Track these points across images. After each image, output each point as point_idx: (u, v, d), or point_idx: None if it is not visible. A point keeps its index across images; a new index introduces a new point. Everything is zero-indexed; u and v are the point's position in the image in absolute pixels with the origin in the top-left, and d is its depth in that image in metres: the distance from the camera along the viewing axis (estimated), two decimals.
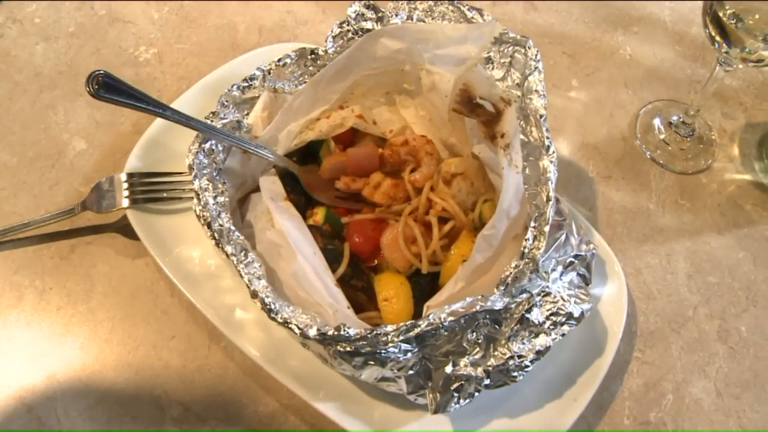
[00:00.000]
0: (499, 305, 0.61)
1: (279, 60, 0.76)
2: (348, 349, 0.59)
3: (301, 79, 0.77)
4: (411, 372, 0.63)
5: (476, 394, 0.63)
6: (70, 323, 0.75)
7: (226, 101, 0.74)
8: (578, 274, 0.69)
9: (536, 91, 0.68)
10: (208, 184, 0.67)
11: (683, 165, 0.88)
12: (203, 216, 0.66)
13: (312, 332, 0.59)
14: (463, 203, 0.73)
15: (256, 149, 0.72)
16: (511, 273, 0.61)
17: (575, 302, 0.67)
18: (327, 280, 0.66)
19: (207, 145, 0.70)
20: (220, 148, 0.71)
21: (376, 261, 0.73)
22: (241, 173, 0.73)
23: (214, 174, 0.70)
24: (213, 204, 0.66)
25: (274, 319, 0.61)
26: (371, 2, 0.76)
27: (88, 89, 0.63)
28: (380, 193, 0.74)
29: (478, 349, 0.63)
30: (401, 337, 0.59)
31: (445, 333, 0.61)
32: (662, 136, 0.90)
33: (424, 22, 0.74)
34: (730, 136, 0.92)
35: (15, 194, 0.83)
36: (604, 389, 0.73)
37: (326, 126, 0.76)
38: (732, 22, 0.73)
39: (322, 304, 0.63)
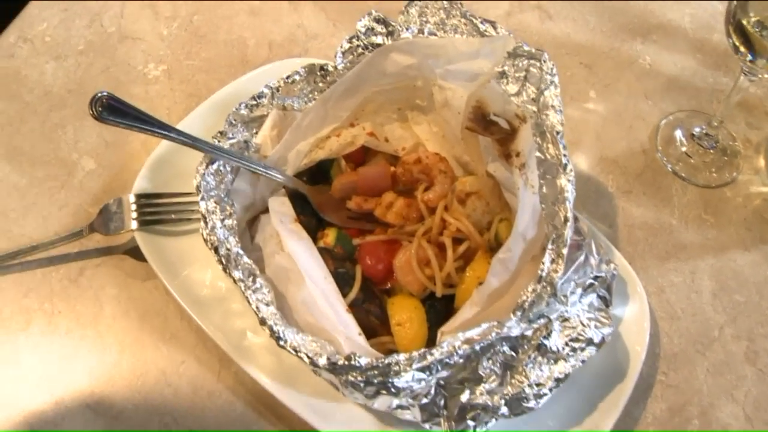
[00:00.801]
0: (515, 332, 0.59)
1: (287, 77, 0.74)
2: (359, 378, 0.58)
3: (310, 96, 0.76)
4: (425, 400, 0.61)
5: (493, 422, 0.61)
6: (78, 347, 0.74)
7: (234, 120, 0.72)
8: (598, 296, 0.67)
9: (552, 106, 0.66)
10: (215, 207, 0.66)
11: (707, 178, 0.85)
12: (210, 240, 0.64)
13: (322, 361, 0.57)
14: (478, 223, 0.70)
15: (265, 170, 0.70)
16: (528, 298, 0.59)
17: (595, 326, 0.64)
18: (338, 306, 0.64)
19: (214, 166, 0.69)
20: (228, 168, 0.70)
21: (389, 284, 0.71)
22: (250, 194, 0.72)
23: (222, 195, 0.68)
24: (220, 227, 0.65)
25: (282, 347, 0.59)
26: (381, 16, 0.74)
27: (91, 112, 0.61)
28: (393, 213, 0.72)
29: (494, 377, 0.60)
30: (414, 366, 0.57)
31: (461, 361, 0.59)
32: (684, 149, 0.87)
33: (435, 35, 0.72)
34: (755, 147, 0.89)
35: (24, 216, 0.82)
36: (626, 414, 0.70)
37: (336, 144, 0.74)
38: (756, 30, 0.70)
39: (333, 331, 0.61)
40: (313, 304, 0.63)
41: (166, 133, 0.65)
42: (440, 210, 0.70)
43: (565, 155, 0.63)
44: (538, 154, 0.65)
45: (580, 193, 0.84)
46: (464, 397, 0.60)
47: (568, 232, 0.61)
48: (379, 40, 0.74)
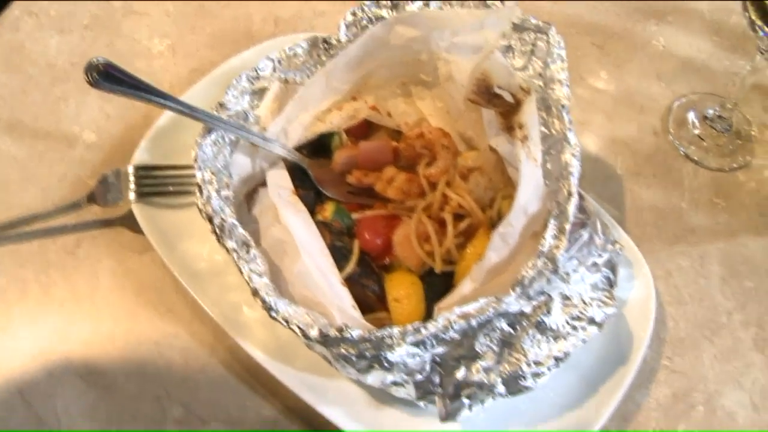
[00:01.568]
0: (514, 308, 0.57)
1: (290, 49, 0.73)
2: (351, 351, 0.56)
3: (313, 69, 0.74)
4: (420, 377, 0.59)
5: (490, 401, 0.59)
6: (73, 319, 0.73)
7: (235, 92, 0.71)
8: (603, 277, 0.65)
9: (559, 80, 0.64)
10: (211, 177, 0.65)
11: (719, 162, 0.83)
12: (205, 210, 0.63)
13: (313, 333, 0.56)
14: (480, 199, 0.69)
15: (264, 142, 0.69)
16: (528, 273, 0.57)
17: (598, 306, 0.62)
18: (332, 279, 0.62)
19: (212, 137, 0.67)
20: (227, 140, 0.69)
21: (387, 259, 0.69)
22: (249, 167, 0.71)
23: (220, 167, 0.67)
24: (216, 198, 0.63)
25: (274, 318, 0.57)
26: None
27: (87, 78, 0.60)
28: (393, 188, 0.70)
29: (491, 354, 0.59)
30: (407, 340, 0.55)
31: (457, 336, 0.57)
32: (697, 131, 0.85)
33: (441, 9, 0.70)
34: None
35: (24, 187, 0.81)
36: (629, 399, 0.68)
37: (338, 118, 0.73)
38: None
39: (326, 303, 0.60)
40: (307, 276, 0.61)
41: (162, 101, 0.64)
42: (442, 185, 0.69)
43: (570, 129, 0.61)
44: (543, 129, 0.63)
45: (588, 174, 0.82)
46: (460, 374, 0.59)
47: (572, 208, 0.59)
48: (383, 13, 0.72)
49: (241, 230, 0.62)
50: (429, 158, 0.72)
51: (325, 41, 0.74)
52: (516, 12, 0.65)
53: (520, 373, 0.58)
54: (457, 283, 0.66)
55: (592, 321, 0.61)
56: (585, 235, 0.64)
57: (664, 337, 0.73)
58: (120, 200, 0.75)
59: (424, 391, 0.60)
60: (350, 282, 0.65)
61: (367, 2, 0.72)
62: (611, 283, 0.65)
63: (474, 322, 0.56)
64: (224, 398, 0.69)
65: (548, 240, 0.58)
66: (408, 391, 0.60)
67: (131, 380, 0.70)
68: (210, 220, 0.62)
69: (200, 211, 0.63)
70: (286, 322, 0.57)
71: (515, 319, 0.58)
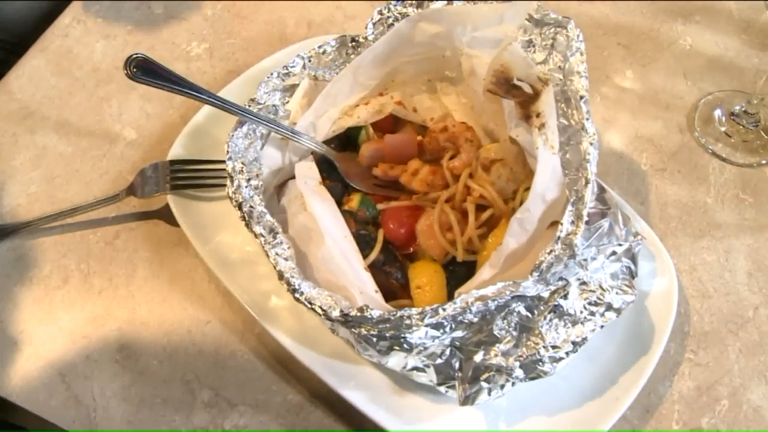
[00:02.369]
0: (531, 291, 0.58)
1: (319, 47, 0.76)
2: (372, 332, 0.58)
3: (341, 67, 0.77)
4: (440, 361, 0.61)
5: (509, 386, 0.60)
6: (110, 306, 0.77)
7: (267, 88, 0.74)
8: (623, 266, 0.65)
9: (577, 72, 0.65)
10: (242, 167, 0.67)
11: (747, 157, 0.83)
12: (235, 197, 0.66)
13: (335, 313, 0.58)
14: (503, 191, 0.70)
15: (292, 135, 0.71)
16: (546, 258, 0.58)
17: (617, 293, 0.63)
18: (356, 264, 0.64)
19: (244, 129, 0.70)
20: (258, 134, 0.72)
21: (411, 248, 0.71)
22: (279, 159, 0.73)
23: (251, 158, 0.70)
24: (246, 186, 0.66)
25: (298, 299, 0.60)
26: None
27: (125, 71, 0.64)
28: (418, 181, 0.72)
29: (509, 338, 0.60)
30: (426, 321, 0.57)
31: (474, 319, 0.59)
32: (723, 128, 0.85)
33: (464, 5, 0.72)
34: None
35: (68, 182, 0.86)
36: (651, 391, 0.69)
37: (365, 112, 0.75)
38: None
39: (349, 286, 0.62)
40: (331, 261, 0.63)
41: (196, 94, 0.67)
42: (464, 176, 0.70)
43: (587, 119, 0.62)
44: (562, 120, 0.65)
45: (613, 170, 0.83)
46: (478, 357, 0.60)
47: (589, 195, 0.60)
48: (409, 11, 0.75)
49: (269, 217, 0.65)
50: (453, 151, 0.73)
51: (353, 40, 0.76)
52: (533, 4, 0.66)
53: (538, 357, 0.59)
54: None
55: (610, 307, 0.61)
56: (605, 224, 0.65)
57: (688, 330, 0.72)
58: (156, 192, 0.78)
59: (445, 376, 0.61)
60: (374, 269, 0.67)
61: (394, 1, 0.75)
62: (632, 273, 0.65)
63: (492, 305, 0.58)
64: (252, 383, 0.71)
65: (566, 226, 0.58)
66: (429, 377, 0.62)
67: (163, 364, 0.73)
68: (239, 207, 0.65)
69: (230, 198, 0.66)
70: (310, 303, 0.59)
71: (532, 303, 0.59)
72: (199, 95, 0.67)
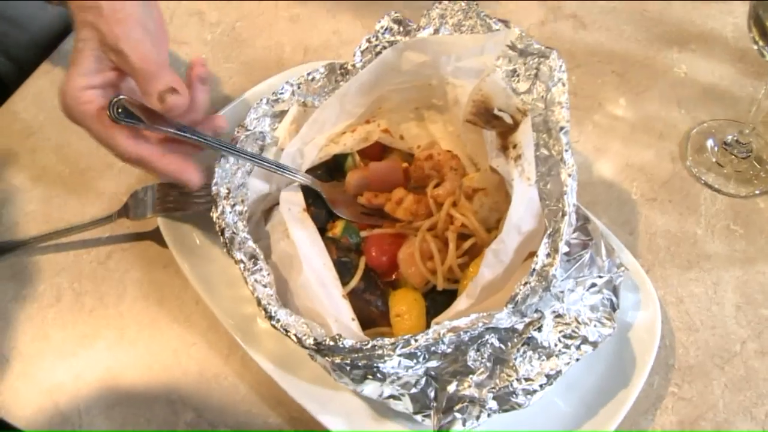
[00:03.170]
0: (505, 323, 0.58)
1: (308, 74, 0.77)
2: (345, 361, 0.58)
3: (330, 93, 0.78)
4: (415, 390, 0.61)
5: (485, 416, 0.60)
6: (100, 326, 0.78)
7: (256, 114, 0.75)
8: (604, 299, 0.65)
9: (559, 102, 0.66)
10: (227, 192, 0.69)
11: (738, 188, 0.82)
12: (218, 223, 0.67)
13: (309, 341, 0.58)
14: (485, 220, 0.70)
15: (278, 169, 0.72)
16: (521, 290, 0.58)
17: (595, 326, 0.63)
18: (333, 292, 0.65)
19: (232, 158, 0.72)
20: (248, 160, 0.73)
21: (393, 276, 0.72)
22: (266, 186, 0.74)
23: (238, 184, 0.71)
24: (230, 212, 0.67)
25: (274, 326, 0.60)
26: (399, 17, 0.76)
27: (109, 114, 0.65)
28: (402, 209, 0.73)
29: (483, 369, 0.60)
30: (399, 351, 0.57)
31: (448, 350, 0.59)
32: (715, 158, 0.84)
33: (451, 35, 0.73)
34: None
35: (65, 202, 0.87)
36: (633, 424, 0.68)
37: (351, 140, 0.76)
38: None
39: (325, 315, 0.62)
40: (309, 288, 0.64)
41: (180, 133, 0.67)
42: (447, 205, 0.70)
43: (566, 150, 0.63)
44: (544, 150, 0.65)
45: (602, 199, 0.83)
46: (451, 388, 0.60)
47: (565, 227, 0.60)
48: (398, 39, 0.76)
49: (251, 243, 0.65)
50: (437, 179, 0.74)
51: (341, 67, 0.77)
52: (512, 33, 0.67)
53: (512, 389, 0.59)
54: None
55: (585, 340, 0.61)
56: (586, 256, 0.65)
57: (673, 363, 0.72)
58: (147, 215, 0.79)
59: (421, 405, 0.61)
60: (354, 296, 0.68)
61: (382, 30, 0.76)
62: (613, 306, 0.65)
63: (465, 336, 0.58)
64: (233, 405, 0.72)
65: (540, 258, 0.59)
66: (405, 405, 0.62)
67: (149, 385, 0.74)
68: (222, 232, 0.66)
69: (214, 223, 0.67)
70: (285, 330, 0.60)
71: (506, 335, 0.59)
72: (184, 134, 0.67)
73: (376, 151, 0.79)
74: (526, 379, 0.59)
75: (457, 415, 0.59)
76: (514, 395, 0.59)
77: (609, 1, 1.00)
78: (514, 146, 0.64)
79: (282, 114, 0.77)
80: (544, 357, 0.60)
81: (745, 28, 0.92)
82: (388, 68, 0.73)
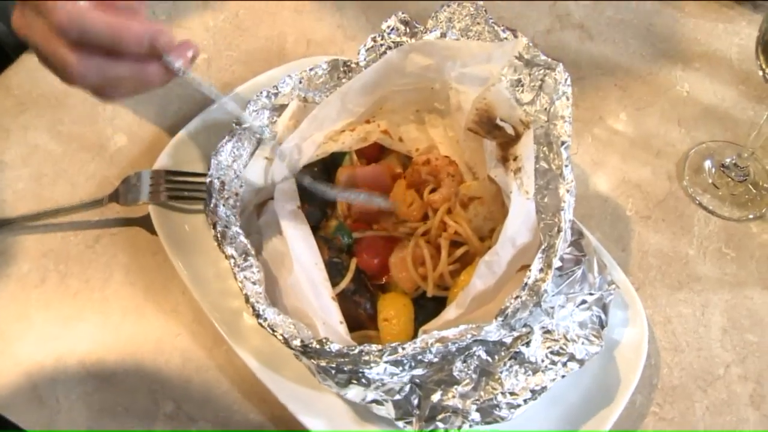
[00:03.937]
0: (493, 336, 0.58)
1: (311, 69, 0.76)
2: (331, 364, 0.58)
3: (332, 90, 0.77)
4: (399, 397, 0.61)
5: (466, 427, 0.60)
6: (84, 309, 0.77)
7: (255, 106, 0.74)
8: (593, 316, 0.65)
9: (562, 116, 0.65)
10: (221, 185, 0.68)
11: (732, 211, 0.82)
12: (210, 216, 0.66)
13: (295, 343, 0.58)
14: (479, 229, 0.70)
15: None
16: (511, 304, 0.58)
17: (582, 343, 0.62)
18: (323, 293, 0.64)
19: (230, 146, 0.71)
20: (244, 151, 0.72)
21: (384, 280, 0.71)
22: (262, 179, 0.73)
23: (233, 176, 0.70)
24: (223, 205, 0.67)
25: (261, 325, 0.60)
26: (407, 18, 0.75)
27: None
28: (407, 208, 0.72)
29: (468, 380, 0.60)
30: (385, 358, 0.56)
31: (435, 359, 0.59)
32: (712, 179, 0.84)
33: (457, 39, 0.72)
34: None
35: (55, 181, 0.86)
36: None
37: (350, 139, 0.75)
38: None
39: (313, 316, 0.62)
40: (298, 288, 0.63)
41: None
42: (441, 211, 0.70)
43: (566, 165, 0.62)
44: (543, 164, 0.64)
45: (597, 213, 0.82)
46: (435, 397, 0.60)
47: (560, 243, 0.59)
48: (403, 39, 0.75)
49: (242, 238, 0.65)
50: (434, 184, 0.73)
51: (345, 64, 0.76)
52: (519, 45, 0.66)
53: (495, 402, 0.59)
54: None
55: (572, 357, 0.61)
56: (578, 271, 0.65)
57: (657, 383, 0.72)
58: (138, 201, 0.78)
59: (404, 411, 0.61)
60: (343, 298, 0.67)
61: (388, 29, 0.75)
62: (602, 323, 0.65)
63: (452, 347, 0.57)
64: (215, 399, 0.71)
65: (534, 272, 0.58)
66: (387, 410, 0.62)
67: (130, 373, 0.73)
68: (213, 226, 0.65)
69: (206, 216, 0.66)
70: (272, 330, 0.59)
71: (493, 348, 0.59)
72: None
73: (374, 152, 0.78)
74: (511, 393, 0.59)
75: (440, 424, 0.59)
76: (497, 408, 0.59)
77: (617, 14, 1.00)
78: (515, 158, 0.64)
79: (281, 108, 0.76)
80: (530, 372, 0.60)
81: (750, 50, 0.92)
82: (392, 69, 0.72)
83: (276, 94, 0.75)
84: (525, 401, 0.59)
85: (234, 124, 0.72)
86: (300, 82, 0.76)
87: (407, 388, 0.60)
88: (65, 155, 0.88)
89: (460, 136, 0.73)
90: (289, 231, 0.67)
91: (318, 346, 0.57)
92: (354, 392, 0.60)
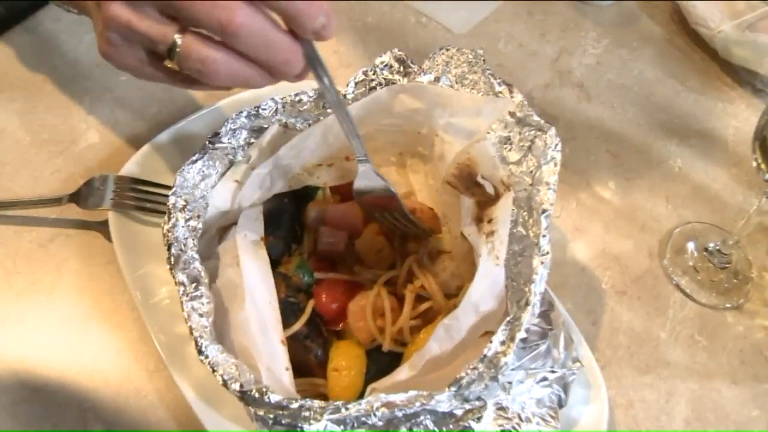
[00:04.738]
0: (443, 407, 0.55)
1: (296, 95, 0.73)
2: (269, 414, 0.54)
3: (315, 120, 0.74)
4: None
5: None
6: (25, 311, 0.73)
7: (233, 125, 0.71)
8: (552, 394, 0.62)
9: (547, 182, 0.62)
10: (183, 204, 0.64)
11: (710, 298, 0.80)
12: (167, 236, 0.62)
13: (234, 386, 0.54)
14: (445, 285, 0.67)
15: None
16: (467, 375, 0.54)
17: (537, 423, 0.59)
18: (272, 335, 0.61)
19: (200, 165, 0.67)
20: (214, 171, 0.69)
21: (340, 326, 0.68)
22: (228, 202, 0.70)
23: (198, 196, 0.67)
24: (182, 226, 0.63)
25: (202, 361, 0.56)
26: (402, 56, 0.72)
27: None
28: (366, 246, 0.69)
29: None
30: (327, 416, 0.53)
31: (380, 423, 0.55)
32: (692, 262, 0.82)
33: (449, 86, 0.70)
34: None
35: (17, 171, 0.82)
36: None
37: (326, 174, 0.72)
38: None
39: (258, 359, 0.58)
40: (247, 327, 0.60)
41: None
42: (410, 261, 0.67)
43: (544, 236, 0.59)
44: (521, 229, 0.62)
45: (572, 282, 0.80)
46: None
47: (527, 317, 0.56)
48: (395, 78, 0.72)
49: (197, 265, 0.61)
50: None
51: None
52: (510, 104, 0.64)
53: None
54: None
55: None
56: (542, 346, 0.62)
57: None
58: (99, 206, 0.75)
59: None
60: (294, 341, 0.64)
61: (381, 65, 0.72)
62: (560, 403, 0.62)
63: (399, 413, 0.54)
64: (147, 427, 0.67)
65: (495, 345, 0.55)
66: None
67: (63, 387, 0.69)
68: (169, 247, 0.62)
69: (163, 236, 0.63)
70: (212, 368, 0.55)
71: (442, 419, 0.56)
72: None
73: (349, 190, 0.75)
74: None
75: None
76: None
77: (618, 78, 0.98)
78: (489, 221, 0.61)
79: (260, 130, 0.72)
80: None
81: (746, 134, 0.91)
82: (380, 107, 0.70)
83: (256, 115, 0.72)
84: None
85: (207, 142, 0.69)
86: (283, 107, 0.73)
87: None
88: (32, 145, 0.85)
89: (438, 187, 0.70)
90: (247, 263, 0.63)
91: (257, 395, 0.53)
92: None
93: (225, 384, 0.55)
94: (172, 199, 0.64)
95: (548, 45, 1.03)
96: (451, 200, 0.67)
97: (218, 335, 0.61)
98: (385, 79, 0.72)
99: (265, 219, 0.70)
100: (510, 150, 0.66)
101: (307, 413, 0.53)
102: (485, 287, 0.58)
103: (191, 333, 0.57)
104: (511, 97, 0.67)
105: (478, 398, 0.57)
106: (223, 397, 0.64)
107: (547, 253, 0.59)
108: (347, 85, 0.73)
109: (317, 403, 0.53)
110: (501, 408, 0.58)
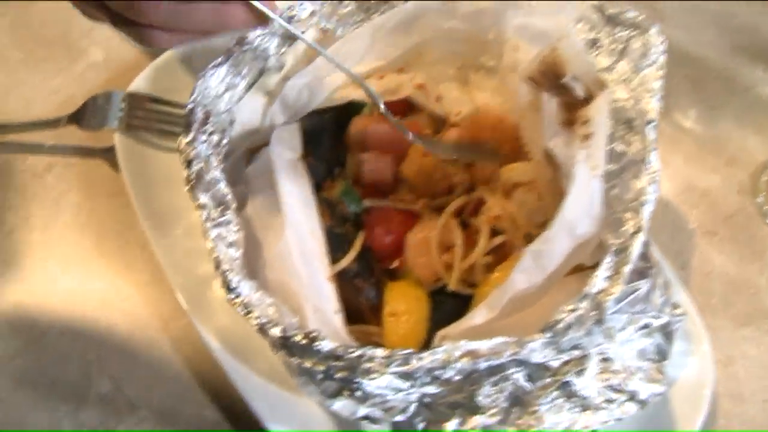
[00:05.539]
0: (537, 357, 0.44)
1: None
2: (318, 368, 0.43)
3: (359, 25, 0.62)
4: (401, 418, 0.47)
5: None
6: (19, 252, 0.63)
7: (263, 29, 0.59)
8: (654, 344, 0.51)
9: (650, 89, 0.51)
10: (204, 117, 0.53)
11: None
12: (186, 152, 0.50)
13: (274, 332, 0.43)
14: (525, 223, 0.56)
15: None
16: (565, 317, 0.44)
17: (640, 379, 0.49)
18: (318, 270, 0.50)
19: (224, 71, 0.56)
20: (242, 81, 0.57)
21: (396, 263, 0.57)
22: (258, 118, 0.58)
23: (222, 109, 0.55)
24: (203, 141, 0.52)
25: (232, 301, 0.45)
26: None
27: None
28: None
29: (496, 410, 0.46)
30: (392, 369, 0.42)
31: (457, 378, 0.44)
32: None
33: None
34: None
35: (9, 92, 0.72)
36: None
37: (375, 88, 0.60)
38: None
39: (302, 298, 0.47)
40: (288, 259, 0.49)
41: None
42: (484, 187, 0.56)
43: (653, 149, 0.49)
44: (620, 144, 0.51)
45: (655, 221, 0.67)
46: (451, 425, 0.46)
47: (637, 248, 0.46)
48: None
49: (223, 186, 0.50)
50: None
51: None
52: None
53: None
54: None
55: (633, 397, 0.47)
56: (643, 288, 0.51)
57: None
58: (103, 126, 0.64)
59: None
60: (342, 280, 0.53)
61: None
62: (663, 355, 0.51)
63: (483, 365, 0.43)
64: (163, 384, 0.58)
65: (599, 280, 0.44)
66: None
67: (64, 337, 0.60)
68: (188, 164, 0.50)
69: (180, 152, 0.51)
70: (246, 310, 0.45)
71: (536, 373, 0.45)
72: None
73: (401, 108, 0.63)
74: None
75: None
76: None
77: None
78: (585, 122, 0.50)
79: (295, 36, 0.61)
80: (578, 409, 0.46)
81: None
82: (439, 6, 0.58)
83: (291, 18, 0.60)
84: None
85: (234, 45, 0.57)
86: (322, 8, 0.61)
87: (413, 407, 0.46)
88: (26, 64, 0.74)
89: (511, 104, 0.59)
90: (285, 185, 0.52)
91: (305, 342, 0.42)
92: (343, 405, 0.46)
93: (262, 329, 0.44)
94: (190, 108, 0.53)
95: None
96: (533, 116, 0.55)
97: (250, 273, 0.50)
98: None
99: (304, 136, 0.58)
100: (599, 54, 0.55)
101: (368, 365, 0.42)
102: (583, 204, 0.47)
103: (217, 268, 0.46)
104: None
105: (574, 347, 0.46)
106: (255, 350, 0.54)
107: (658, 170, 0.48)
108: None
109: (380, 351, 0.42)
110: (606, 359, 0.47)
